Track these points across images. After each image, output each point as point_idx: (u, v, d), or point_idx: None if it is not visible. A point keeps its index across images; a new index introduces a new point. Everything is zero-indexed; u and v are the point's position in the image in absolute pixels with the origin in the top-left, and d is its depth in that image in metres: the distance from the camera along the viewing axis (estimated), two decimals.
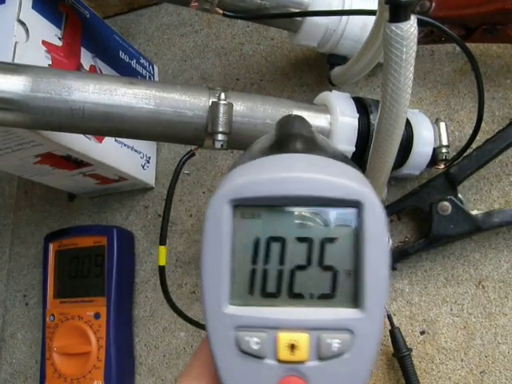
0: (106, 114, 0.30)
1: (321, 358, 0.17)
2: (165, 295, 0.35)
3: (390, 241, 0.37)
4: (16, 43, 0.34)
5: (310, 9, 0.37)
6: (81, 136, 0.39)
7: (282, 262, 0.19)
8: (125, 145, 0.44)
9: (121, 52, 0.46)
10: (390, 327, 0.37)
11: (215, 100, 0.31)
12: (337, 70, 0.39)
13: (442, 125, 0.37)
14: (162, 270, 0.34)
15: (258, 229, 0.19)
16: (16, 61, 0.33)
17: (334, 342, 0.17)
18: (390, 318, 0.37)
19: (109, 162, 0.42)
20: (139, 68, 0.49)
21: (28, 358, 0.51)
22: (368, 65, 0.33)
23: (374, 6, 0.38)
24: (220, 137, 0.31)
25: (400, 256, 0.38)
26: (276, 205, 0.19)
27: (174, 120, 0.31)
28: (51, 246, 0.48)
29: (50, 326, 0.46)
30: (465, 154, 0.37)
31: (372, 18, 0.38)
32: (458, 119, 0.41)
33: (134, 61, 0.48)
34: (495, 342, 0.36)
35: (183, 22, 0.53)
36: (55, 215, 0.53)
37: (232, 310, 0.18)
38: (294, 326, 0.18)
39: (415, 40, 0.24)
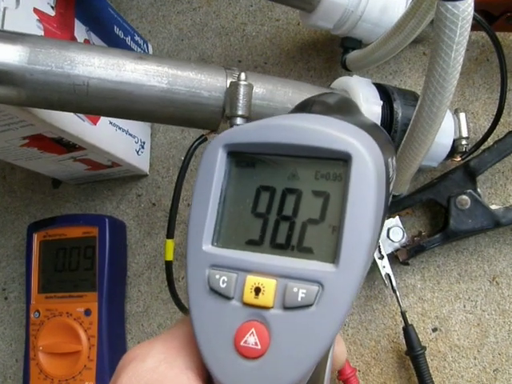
0: (113, 91, 0.27)
1: (286, 308, 0.17)
2: (171, 293, 0.32)
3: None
4: (5, 9, 0.29)
5: None
6: (74, 117, 0.35)
7: (268, 211, 0.19)
8: (119, 128, 0.41)
9: (115, 27, 0.42)
10: (403, 324, 0.36)
11: (234, 80, 0.28)
12: (354, 53, 0.37)
13: (462, 116, 0.35)
14: (168, 265, 0.31)
15: (250, 177, 0.19)
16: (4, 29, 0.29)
17: (301, 291, 0.17)
18: (403, 315, 0.35)
19: (103, 146, 0.38)
20: (133, 45, 0.45)
21: (8, 357, 0.47)
22: (396, 48, 0.31)
23: None
24: (239, 121, 0.28)
25: (416, 252, 0.36)
26: (267, 153, 0.19)
27: (188, 100, 0.28)
28: (35, 237, 0.44)
29: (34, 322, 0.42)
30: (484, 147, 0.36)
31: (392, 1, 0.36)
32: (472, 110, 0.39)
33: (129, 37, 0.44)
34: (509, 340, 0.35)
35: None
36: (38, 203, 0.49)
37: (211, 249, 0.18)
38: (264, 270, 0.17)
39: (470, 21, 0.22)
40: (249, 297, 0.17)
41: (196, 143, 0.31)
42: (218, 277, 0.18)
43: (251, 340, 0.17)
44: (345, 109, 0.22)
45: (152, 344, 0.19)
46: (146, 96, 0.27)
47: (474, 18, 0.32)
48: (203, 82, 0.28)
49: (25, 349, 0.42)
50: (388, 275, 0.36)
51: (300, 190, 0.18)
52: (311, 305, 0.17)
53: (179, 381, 0.18)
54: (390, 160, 0.19)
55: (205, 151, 0.19)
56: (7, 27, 0.29)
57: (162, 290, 0.43)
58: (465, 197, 0.34)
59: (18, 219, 0.49)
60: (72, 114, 0.35)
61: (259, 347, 0.17)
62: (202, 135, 0.31)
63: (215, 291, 0.18)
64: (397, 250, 0.36)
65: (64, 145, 0.37)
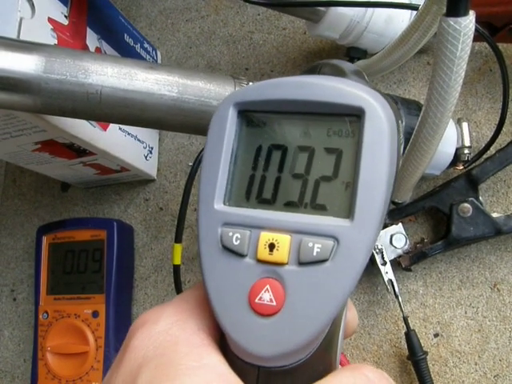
0: (125, 99, 0.28)
1: (301, 263, 0.17)
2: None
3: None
4: (21, 19, 0.30)
5: None
6: (85, 123, 0.36)
7: (281, 169, 0.18)
8: (129, 133, 0.42)
9: (126, 35, 0.43)
10: (405, 329, 0.36)
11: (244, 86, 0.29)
12: (359, 63, 0.38)
13: (465, 125, 0.36)
14: (176, 269, 0.32)
15: (261, 136, 0.19)
16: (21, 39, 0.30)
17: (316, 246, 0.17)
18: (405, 320, 0.36)
19: (113, 152, 0.39)
20: (143, 53, 0.46)
21: (16, 357, 0.48)
22: (400, 59, 0.32)
23: None
24: None
25: (418, 258, 0.36)
26: (278, 111, 0.18)
27: (197, 109, 0.29)
28: (44, 239, 0.45)
29: (43, 323, 0.43)
30: (486, 156, 0.36)
31: (397, 13, 0.36)
32: (475, 120, 0.40)
33: (138, 45, 0.45)
34: (510, 346, 0.36)
35: (188, 7, 0.50)
36: (47, 206, 0.50)
37: (223, 208, 0.18)
38: (278, 226, 0.17)
39: (472, 37, 0.23)
40: (263, 253, 0.17)
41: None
42: (231, 234, 0.18)
43: (266, 297, 0.17)
44: (353, 73, 0.22)
45: (163, 308, 0.19)
46: (157, 104, 0.28)
47: (477, 30, 0.33)
48: (212, 92, 0.29)
49: (33, 349, 0.43)
50: (390, 281, 0.36)
51: (312, 147, 0.18)
52: (326, 260, 0.16)
53: (192, 342, 0.18)
54: (399, 122, 0.19)
55: (216, 110, 0.19)
56: (23, 36, 0.30)
57: (168, 293, 0.44)
58: (467, 205, 0.35)
59: (27, 222, 0.50)
60: (84, 121, 0.36)
61: (274, 304, 0.17)
62: None
63: (228, 249, 0.17)
64: (399, 257, 0.37)
65: (75, 150, 0.38)
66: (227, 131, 0.19)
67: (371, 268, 0.39)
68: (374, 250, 0.37)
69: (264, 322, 0.17)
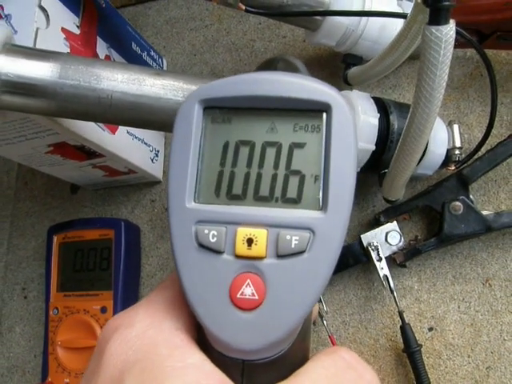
0: (134, 103, 0.30)
1: (279, 256, 0.17)
2: None
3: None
4: (37, 29, 0.33)
5: (332, 8, 0.37)
6: (95, 126, 0.38)
7: (249, 165, 0.19)
8: (136, 137, 0.44)
9: (133, 43, 0.45)
10: (400, 323, 0.38)
11: None
12: (355, 69, 0.40)
13: (456, 127, 0.38)
14: None
15: (228, 132, 0.19)
16: (37, 47, 0.32)
17: (294, 239, 0.17)
18: (401, 314, 0.38)
19: (121, 154, 0.41)
20: (149, 60, 0.48)
21: (26, 353, 0.50)
22: (392, 65, 0.34)
23: (393, 8, 0.39)
24: None
25: (412, 254, 0.38)
26: (244, 107, 0.19)
27: None
28: (55, 239, 0.47)
29: (53, 319, 0.45)
30: (475, 157, 0.38)
31: (390, 21, 0.39)
32: (467, 122, 0.42)
33: (145, 53, 0.47)
34: (501, 339, 0.38)
35: (193, 17, 0.52)
36: (57, 207, 0.52)
37: (195, 205, 0.18)
38: (254, 221, 0.18)
39: (453, 43, 0.25)
40: (241, 249, 0.17)
41: None
42: (206, 232, 0.18)
43: (248, 291, 0.17)
44: (304, 69, 0.23)
45: (134, 310, 0.19)
46: (164, 108, 0.30)
47: (465, 38, 0.35)
48: None
49: (44, 344, 0.45)
50: (386, 277, 0.38)
51: (279, 142, 0.18)
52: (304, 251, 0.17)
53: (172, 342, 0.17)
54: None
55: (181, 107, 0.19)
56: (39, 45, 0.32)
57: None
58: (458, 203, 0.37)
59: (37, 223, 0.52)
60: (93, 123, 0.38)
61: (256, 298, 0.17)
62: None
63: (205, 247, 0.18)
64: (394, 253, 0.39)
65: (85, 152, 0.40)
66: (193, 128, 0.19)
67: (368, 265, 0.41)
68: (370, 246, 0.38)
69: (247, 316, 0.17)
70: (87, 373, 0.18)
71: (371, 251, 0.39)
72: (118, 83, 0.29)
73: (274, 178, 0.18)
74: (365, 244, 0.39)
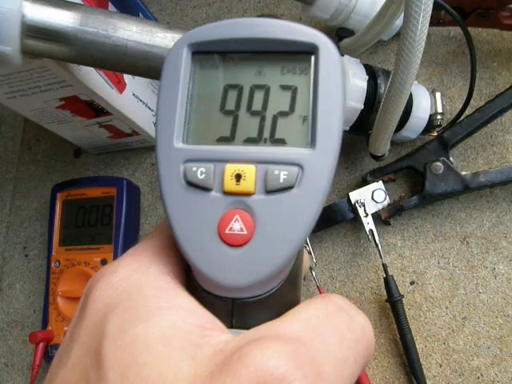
0: (146, 53, 0.33)
1: (268, 191, 0.17)
2: None
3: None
4: None
5: None
6: (105, 83, 0.41)
7: (238, 107, 0.19)
8: (140, 100, 0.47)
9: (140, 14, 0.49)
10: (384, 276, 0.42)
11: None
12: (346, 40, 0.44)
13: (438, 94, 0.42)
14: None
15: (216, 76, 0.19)
16: None
17: (282, 173, 0.17)
18: (384, 266, 0.41)
19: (126, 113, 0.45)
20: None
21: (26, 308, 0.52)
22: (379, 33, 0.38)
23: None
24: None
25: (396, 211, 0.42)
26: (232, 50, 0.19)
27: None
28: (59, 196, 0.50)
29: (54, 271, 0.48)
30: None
31: None
32: (449, 95, 0.46)
33: None
34: (476, 292, 0.41)
35: None
36: (60, 171, 0.55)
37: (184, 146, 0.19)
38: (242, 158, 0.18)
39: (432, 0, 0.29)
40: (230, 184, 0.18)
41: None
42: (194, 169, 0.18)
43: (236, 226, 0.17)
44: None
45: (120, 259, 0.19)
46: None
47: (450, 14, 0.39)
48: None
49: (44, 295, 0.48)
50: (371, 231, 0.42)
51: (267, 85, 0.19)
52: (293, 187, 0.17)
53: (157, 285, 0.17)
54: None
55: (170, 51, 0.19)
56: None
57: None
58: (438, 163, 0.41)
59: (40, 185, 0.56)
60: (103, 81, 0.41)
61: (245, 233, 0.17)
62: None
63: (193, 184, 0.18)
64: (380, 210, 0.42)
65: (94, 109, 0.43)
66: (182, 72, 0.19)
67: (355, 223, 0.45)
68: (357, 203, 0.42)
69: (236, 252, 0.17)
70: (72, 322, 0.18)
71: (358, 207, 0.42)
72: (133, 33, 0.33)
73: (263, 119, 0.19)
74: (353, 201, 0.43)
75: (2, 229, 0.56)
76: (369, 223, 0.42)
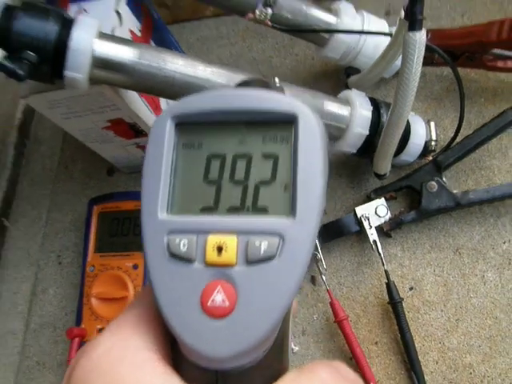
0: (190, 83, 0.41)
1: (249, 262, 0.18)
2: None
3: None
4: (113, 28, 0.44)
5: (337, 28, 0.50)
6: (146, 108, 0.49)
7: (220, 177, 0.20)
8: None
9: (173, 49, 0.57)
10: (386, 281, 0.48)
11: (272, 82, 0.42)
12: (353, 77, 0.52)
13: (432, 124, 0.49)
14: None
15: (200, 146, 0.20)
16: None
17: (263, 244, 0.18)
18: (386, 272, 0.48)
19: None
20: None
21: (58, 311, 0.58)
22: (381, 72, 0.46)
23: (384, 29, 0.51)
24: None
25: (396, 224, 0.49)
26: (214, 121, 0.20)
27: None
28: (95, 208, 0.57)
29: (89, 275, 0.54)
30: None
31: (382, 41, 0.51)
32: (443, 125, 0.53)
33: None
34: (468, 296, 0.47)
35: (221, 36, 0.65)
36: (94, 187, 0.62)
37: (167, 216, 0.19)
38: (224, 229, 0.18)
39: (424, 44, 0.36)
40: (211, 256, 0.18)
41: None
42: (177, 241, 0.18)
43: (218, 298, 0.17)
44: (278, 89, 0.24)
45: (102, 334, 0.19)
46: (212, 88, 0.42)
47: (442, 57, 0.47)
48: None
49: (79, 297, 0.54)
50: (375, 241, 0.48)
51: (250, 154, 0.20)
52: (274, 257, 0.18)
53: (135, 361, 0.17)
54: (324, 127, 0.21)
55: (154, 123, 0.20)
56: None
57: None
58: (433, 183, 0.48)
59: (75, 200, 0.62)
60: (145, 106, 0.49)
61: (227, 304, 0.17)
62: None
63: (176, 256, 0.18)
64: (382, 224, 0.49)
65: (134, 130, 0.51)
66: (166, 143, 0.19)
67: (360, 236, 0.51)
68: (362, 217, 0.49)
69: (219, 323, 0.17)
70: None
71: (363, 221, 0.49)
72: (179, 66, 0.41)
73: (245, 188, 0.19)
74: (358, 215, 0.49)
75: (38, 239, 0.62)
76: (372, 234, 0.49)
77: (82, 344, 0.51)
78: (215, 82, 0.42)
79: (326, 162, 0.19)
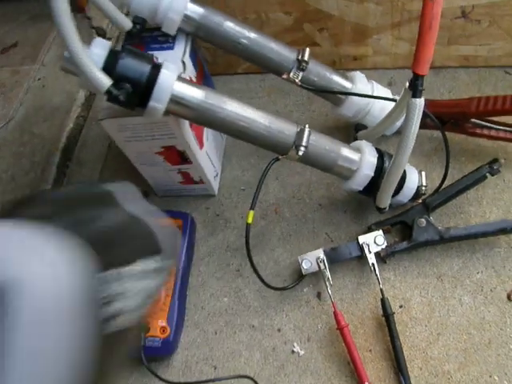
0: (239, 120, 0.53)
1: None
2: (247, 249, 0.56)
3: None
4: (180, 73, 0.57)
5: (352, 91, 0.64)
6: (194, 140, 0.61)
7: None
8: (209, 158, 0.67)
9: None
10: (381, 297, 0.58)
11: (302, 127, 0.55)
12: (361, 132, 0.65)
13: (423, 173, 0.62)
14: (247, 226, 0.55)
15: None
16: None
17: None
18: (381, 290, 0.58)
19: (202, 164, 0.64)
20: None
21: None
22: (382, 131, 0.59)
23: (389, 96, 0.65)
24: (302, 149, 0.54)
25: (391, 252, 0.60)
26: None
27: (275, 134, 0.55)
28: None
29: None
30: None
31: (387, 105, 0.65)
32: (431, 177, 0.66)
33: None
34: (447, 315, 0.58)
35: (249, 90, 0.79)
36: None
37: None
38: None
39: (422, 108, 0.50)
40: None
41: (273, 161, 0.57)
42: None
43: None
44: (78, 203, 0.20)
45: None
46: (255, 127, 0.54)
47: (433, 120, 0.61)
48: (285, 127, 0.55)
49: None
50: (373, 264, 0.59)
51: None
52: None
53: None
54: (124, 268, 0.16)
55: None
56: None
57: (216, 271, 0.66)
58: (422, 219, 0.60)
59: None
60: (193, 138, 0.61)
61: None
62: (277, 158, 0.57)
63: None
64: (379, 250, 0.60)
65: (181, 157, 0.62)
66: None
67: (361, 261, 0.62)
68: (363, 243, 0.60)
69: None
70: None
71: (364, 247, 0.60)
72: (234, 108, 0.53)
73: None
74: (360, 242, 0.61)
75: None
76: (371, 258, 0.60)
77: None
78: (259, 122, 0.54)
79: (87, 347, 0.14)
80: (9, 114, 0.84)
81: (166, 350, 0.59)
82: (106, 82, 0.46)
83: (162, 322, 0.59)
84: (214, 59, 0.79)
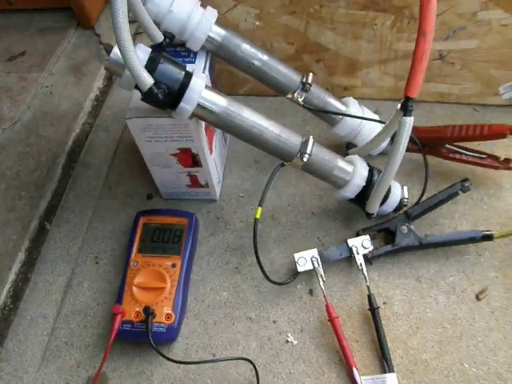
0: (252, 128, 0.62)
1: None
2: (254, 244, 0.63)
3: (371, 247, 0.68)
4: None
5: (346, 113, 0.74)
6: (206, 144, 0.69)
7: None
8: (216, 164, 0.75)
9: None
10: (368, 293, 0.66)
11: (307, 138, 0.64)
12: (352, 150, 0.75)
13: (405, 188, 0.73)
14: (255, 221, 0.63)
15: None
16: None
17: None
18: (368, 287, 0.67)
19: (210, 169, 0.71)
20: None
21: (90, 301, 0.71)
22: (369, 150, 0.70)
23: (376, 117, 0.76)
24: (306, 156, 0.64)
25: (377, 254, 0.69)
26: None
27: (283, 143, 0.64)
28: (141, 219, 0.73)
29: (132, 269, 0.68)
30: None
31: (375, 127, 0.76)
32: (412, 193, 0.77)
33: None
34: (425, 311, 0.67)
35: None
36: (134, 207, 0.79)
37: None
38: None
39: (411, 125, 0.60)
40: None
41: (279, 166, 0.65)
42: None
43: None
44: None
45: None
46: (267, 136, 0.63)
47: (416, 144, 0.72)
48: (292, 136, 0.64)
49: (121, 285, 0.67)
50: (361, 264, 0.68)
51: None
52: None
53: None
54: None
55: None
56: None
57: (216, 268, 0.72)
58: (404, 227, 0.70)
59: (116, 214, 0.78)
60: (206, 142, 0.69)
61: None
62: (283, 163, 0.66)
63: None
64: (366, 253, 0.69)
65: (193, 160, 0.70)
66: None
67: (349, 262, 0.71)
68: (352, 246, 0.69)
69: None
70: None
71: (353, 249, 0.69)
72: (250, 115, 0.62)
73: None
74: (350, 245, 0.69)
75: (78, 242, 0.76)
76: (359, 259, 0.68)
77: (122, 321, 0.64)
78: (270, 130, 0.63)
79: None
80: (16, 116, 0.89)
81: (170, 335, 0.64)
82: (149, 80, 0.54)
83: (168, 310, 0.65)
84: (220, 80, 0.88)
